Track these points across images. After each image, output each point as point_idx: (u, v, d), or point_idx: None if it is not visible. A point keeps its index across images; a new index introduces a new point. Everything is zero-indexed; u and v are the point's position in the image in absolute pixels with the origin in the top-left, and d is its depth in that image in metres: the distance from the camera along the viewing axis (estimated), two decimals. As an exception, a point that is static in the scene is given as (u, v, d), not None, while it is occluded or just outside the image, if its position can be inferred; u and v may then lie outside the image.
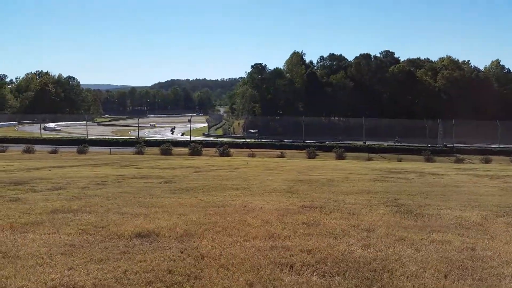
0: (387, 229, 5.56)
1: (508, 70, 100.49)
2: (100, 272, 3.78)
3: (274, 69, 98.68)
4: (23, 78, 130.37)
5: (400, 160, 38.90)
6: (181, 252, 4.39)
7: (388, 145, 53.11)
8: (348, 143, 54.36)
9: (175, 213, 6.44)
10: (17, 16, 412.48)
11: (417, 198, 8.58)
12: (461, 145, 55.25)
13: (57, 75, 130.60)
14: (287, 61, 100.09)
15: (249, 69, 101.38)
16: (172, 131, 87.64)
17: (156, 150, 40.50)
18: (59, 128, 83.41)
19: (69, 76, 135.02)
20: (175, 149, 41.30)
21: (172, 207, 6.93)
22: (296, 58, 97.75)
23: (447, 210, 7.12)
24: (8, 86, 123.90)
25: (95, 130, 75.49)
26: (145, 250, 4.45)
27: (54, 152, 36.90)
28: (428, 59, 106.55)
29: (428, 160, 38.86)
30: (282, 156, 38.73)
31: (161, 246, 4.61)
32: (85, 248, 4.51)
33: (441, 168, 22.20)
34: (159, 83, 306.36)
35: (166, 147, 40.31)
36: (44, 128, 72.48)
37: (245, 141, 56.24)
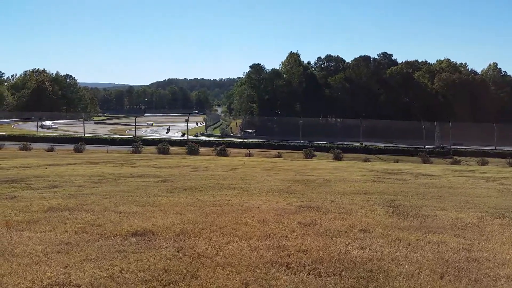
0: (384, 229, 5.57)
1: (505, 73, 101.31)
2: (96, 271, 3.77)
3: (272, 69, 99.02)
4: (20, 75, 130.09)
5: (397, 161, 38.92)
6: (178, 251, 4.38)
7: (385, 146, 53.21)
8: (346, 144, 54.46)
9: (172, 212, 6.43)
10: (15, 14, 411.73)
11: (414, 199, 8.59)
12: (458, 147, 55.43)
13: (54, 73, 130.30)
14: (284, 61, 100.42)
15: (247, 69, 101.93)
16: (168, 131, 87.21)
17: (153, 149, 40.37)
18: (56, 126, 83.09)
19: (66, 74, 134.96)
20: (172, 148, 41.19)
21: (168, 206, 6.92)
22: (293, 59, 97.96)
23: (444, 211, 7.14)
24: (5, 84, 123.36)
25: (92, 129, 75.19)
26: (142, 249, 4.45)
27: (50, 150, 36.73)
28: (426, 61, 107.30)
29: (425, 161, 38.89)
30: (279, 156, 38.69)
31: (158, 245, 4.61)
32: (81, 247, 4.50)
33: (438, 169, 22.25)
34: (157, 82, 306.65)
35: (163, 146, 40.14)
36: (41, 126, 72.22)
37: (243, 140, 56.18)
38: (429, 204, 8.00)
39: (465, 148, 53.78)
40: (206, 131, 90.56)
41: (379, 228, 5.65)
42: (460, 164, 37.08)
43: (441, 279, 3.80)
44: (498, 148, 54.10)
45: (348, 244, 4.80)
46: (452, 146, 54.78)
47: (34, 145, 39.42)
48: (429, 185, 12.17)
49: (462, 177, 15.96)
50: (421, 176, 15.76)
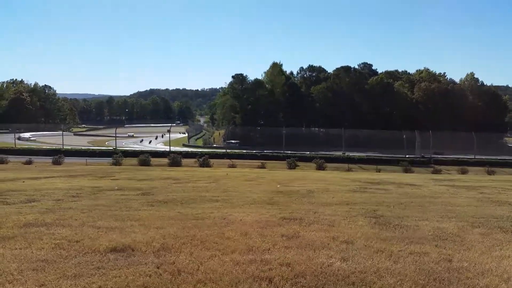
0: (366, 241, 5.57)
1: (482, 82, 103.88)
2: (72, 289, 3.65)
3: (254, 79, 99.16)
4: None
5: (379, 171, 39.38)
6: (158, 267, 4.29)
7: (367, 156, 53.79)
8: (328, 154, 54.82)
9: (152, 226, 6.31)
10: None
11: (396, 209, 8.65)
12: (439, 156, 56.43)
13: (32, 84, 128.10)
14: (267, 71, 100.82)
15: (229, 80, 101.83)
16: (157, 142, 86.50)
17: (134, 160, 39.89)
18: (34, 138, 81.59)
19: (45, 85, 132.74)
20: (154, 160, 40.79)
21: (149, 220, 6.79)
22: (276, 69, 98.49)
23: (425, 222, 7.20)
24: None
25: (71, 140, 73.98)
26: (120, 266, 4.33)
27: (28, 163, 35.99)
28: (406, 71, 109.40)
29: (406, 171, 39.41)
30: (262, 166, 38.73)
31: (137, 261, 4.50)
32: (58, 264, 4.36)
33: (419, 179, 22.54)
34: (138, 92, 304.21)
35: (144, 157, 39.68)
36: (19, 138, 70.72)
37: (226, 151, 56.03)
38: (410, 214, 8.06)
39: (445, 157, 54.82)
40: (188, 141, 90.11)
41: (362, 239, 5.65)
42: (440, 173, 37.71)
43: (423, 290, 3.81)
44: (477, 157, 55.29)
45: (331, 257, 4.78)
46: (433, 155, 55.68)
47: (11, 158, 38.59)
48: (411, 194, 12.30)
49: (443, 186, 16.20)
50: (403, 185, 15.93)
